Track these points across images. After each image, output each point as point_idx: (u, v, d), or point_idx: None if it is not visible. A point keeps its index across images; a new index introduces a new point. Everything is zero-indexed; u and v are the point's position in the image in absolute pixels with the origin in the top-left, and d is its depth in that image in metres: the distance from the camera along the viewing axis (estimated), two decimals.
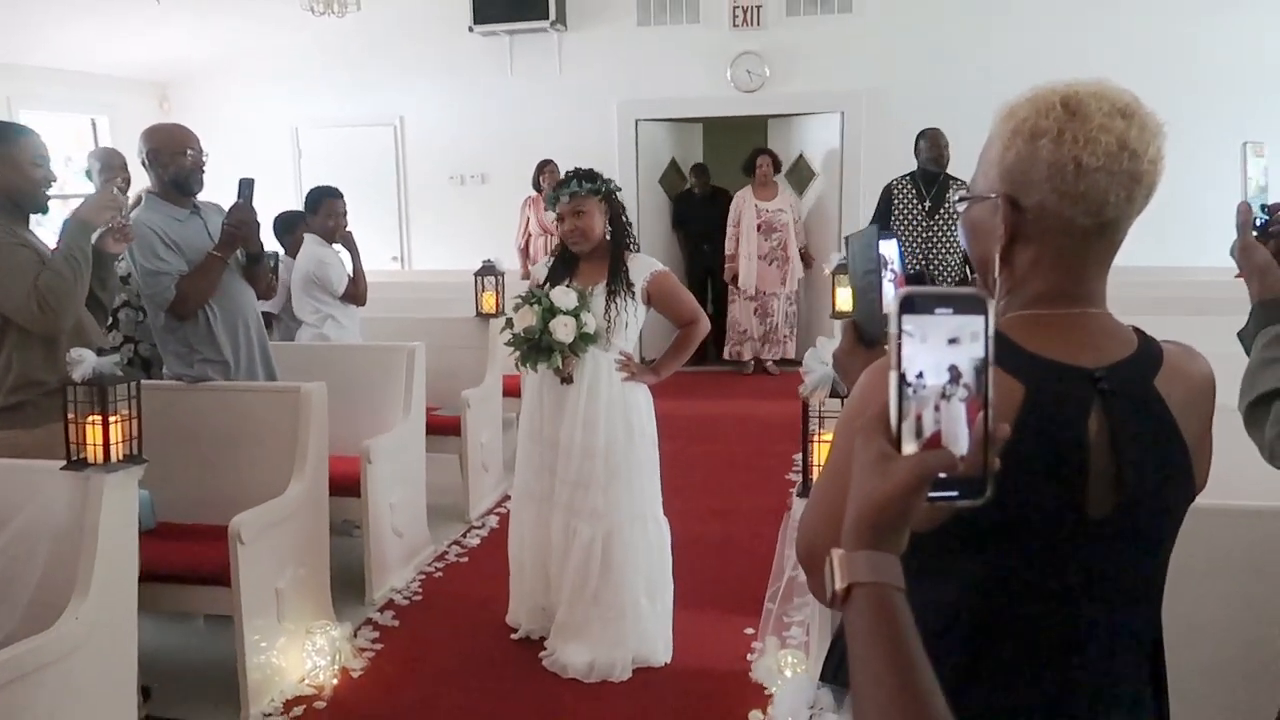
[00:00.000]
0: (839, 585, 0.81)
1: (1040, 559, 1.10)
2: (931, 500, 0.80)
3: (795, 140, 8.26)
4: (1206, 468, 1.19)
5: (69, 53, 7.32)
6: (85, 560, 2.44)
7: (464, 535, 4.52)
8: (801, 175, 8.21)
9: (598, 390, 3.19)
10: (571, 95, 7.99)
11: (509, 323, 3.22)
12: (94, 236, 2.91)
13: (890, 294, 1.32)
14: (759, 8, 7.62)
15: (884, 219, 5.80)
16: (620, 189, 3.30)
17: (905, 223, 5.79)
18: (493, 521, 4.65)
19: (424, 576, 4.06)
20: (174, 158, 3.34)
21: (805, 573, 1.18)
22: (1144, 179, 1.09)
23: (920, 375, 0.78)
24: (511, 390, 5.02)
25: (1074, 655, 1.13)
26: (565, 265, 3.29)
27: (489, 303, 5.17)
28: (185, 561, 3.10)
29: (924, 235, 5.73)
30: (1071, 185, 1.08)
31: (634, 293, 3.20)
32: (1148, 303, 4.44)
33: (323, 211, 4.56)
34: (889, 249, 1.34)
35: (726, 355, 8.04)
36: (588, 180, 3.17)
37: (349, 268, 4.59)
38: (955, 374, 0.79)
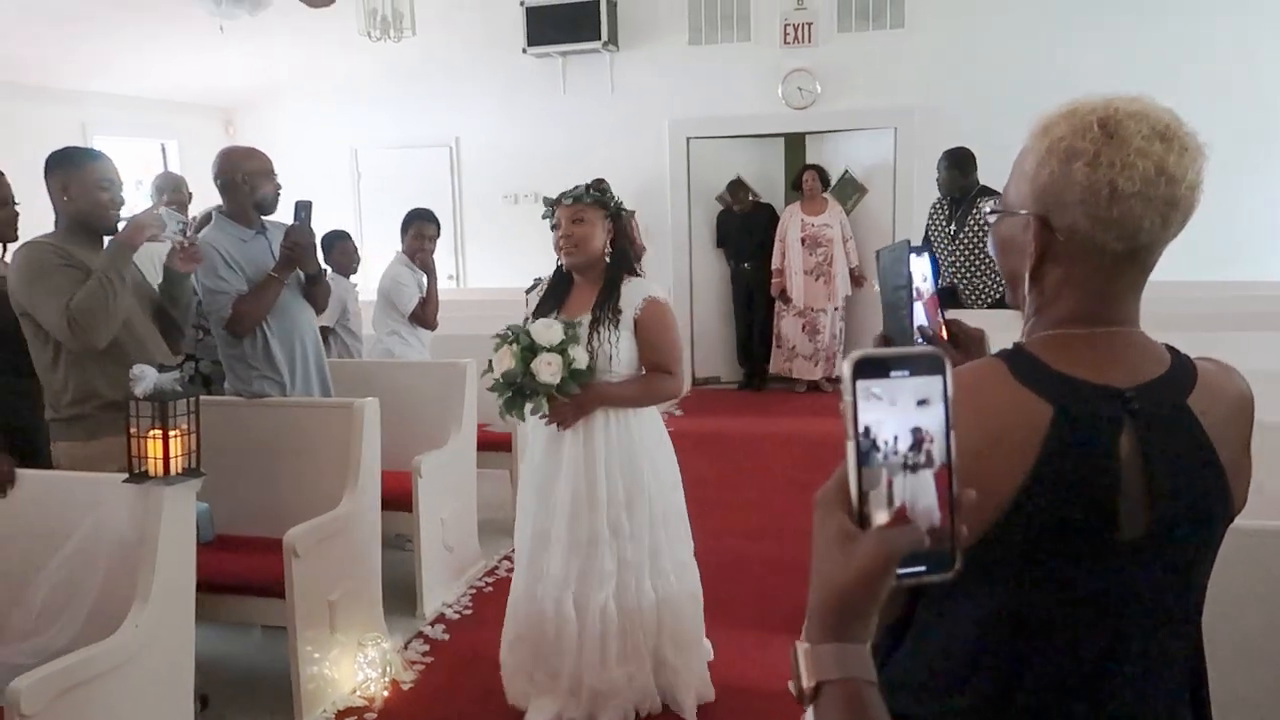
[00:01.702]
0: (807, 684, 0.78)
1: (1071, 583, 1.08)
2: (898, 579, 0.75)
3: (839, 156, 8.20)
4: (1245, 488, 1.15)
5: (139, 80, 7.59)
6: (145, 570, 2.52)
7: (514, 551, 4.54)
8: (847, 191, 8.14)
9: (594, 434, 2.83)
10: (624, 115, 8.06)
11: (490, 365, 2.84)
12: (161, 257, 3.02)
13: (920, 311, 1.31)
14: (810, 25, 7.61)
15: (927, 240, 5.79)
16: (631, 211, 3.05)
17: (936, 245, 5.76)
18: None
19: (474, 591, 4.10)
20: (258, 179, 3.47)
21: None
22: (1181, 204, 1.06)
23: (880, 444, 0.73)
24: None
25: (1108, 683, 1.09)
26: (555, 295, 2.96)
27: None
28: (242, 573, 3.19)
29: (949, 259, 5.68)
30: (1105, 210, 1.05)
31: (619, 321, 2.82)
32: (1195, 318, 4.32)
33: (410, 233, 4.72)
34: (920, 264, 1.31)
35: (774, 371, 8.04)
36: (594, 189, 2.93)
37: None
38: (918, 439, 0.73)
